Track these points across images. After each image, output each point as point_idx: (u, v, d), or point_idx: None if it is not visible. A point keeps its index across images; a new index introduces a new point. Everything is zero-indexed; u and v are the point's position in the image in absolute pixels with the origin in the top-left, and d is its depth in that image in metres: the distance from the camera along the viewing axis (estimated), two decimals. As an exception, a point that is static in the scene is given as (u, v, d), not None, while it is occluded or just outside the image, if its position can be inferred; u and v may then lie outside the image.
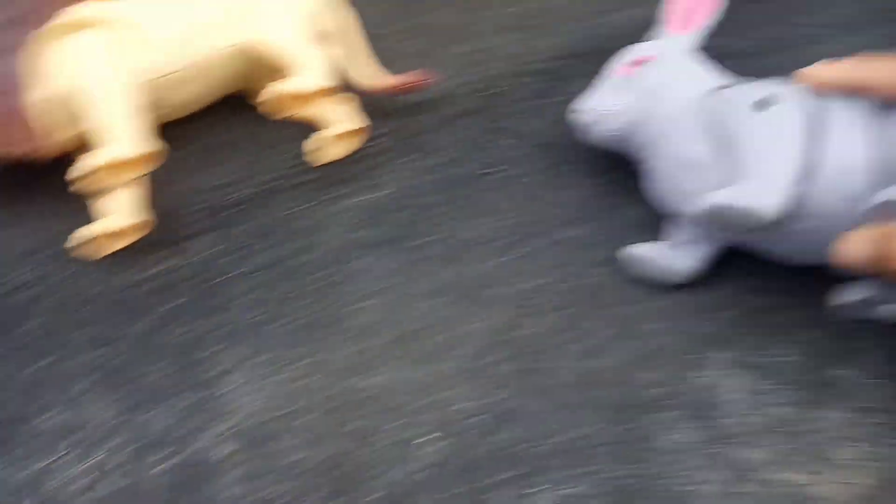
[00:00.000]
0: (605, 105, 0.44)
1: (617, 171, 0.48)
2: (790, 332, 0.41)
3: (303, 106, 0.45)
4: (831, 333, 0.41)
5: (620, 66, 0.46)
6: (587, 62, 0.52)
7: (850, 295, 0.39)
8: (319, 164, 0.50)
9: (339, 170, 0.50)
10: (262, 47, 0.47)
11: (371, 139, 0.51)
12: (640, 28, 0.52)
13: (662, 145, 0.42)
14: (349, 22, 0.51)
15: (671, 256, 0.43)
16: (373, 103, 0.53)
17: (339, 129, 0.49)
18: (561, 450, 0.40)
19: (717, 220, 0.37)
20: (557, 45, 0.53)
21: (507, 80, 0.52)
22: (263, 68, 0.49)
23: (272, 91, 0.43)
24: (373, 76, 0.50)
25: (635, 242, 0.45)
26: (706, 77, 0.43)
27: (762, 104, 0.38)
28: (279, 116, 0.45)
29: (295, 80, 0.44)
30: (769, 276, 0.43)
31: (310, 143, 0.49)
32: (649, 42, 0.47)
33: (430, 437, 0.41)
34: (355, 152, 0.51)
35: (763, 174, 0.37)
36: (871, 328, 0.40)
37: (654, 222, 0.45)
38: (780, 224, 0.37)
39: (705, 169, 0.40)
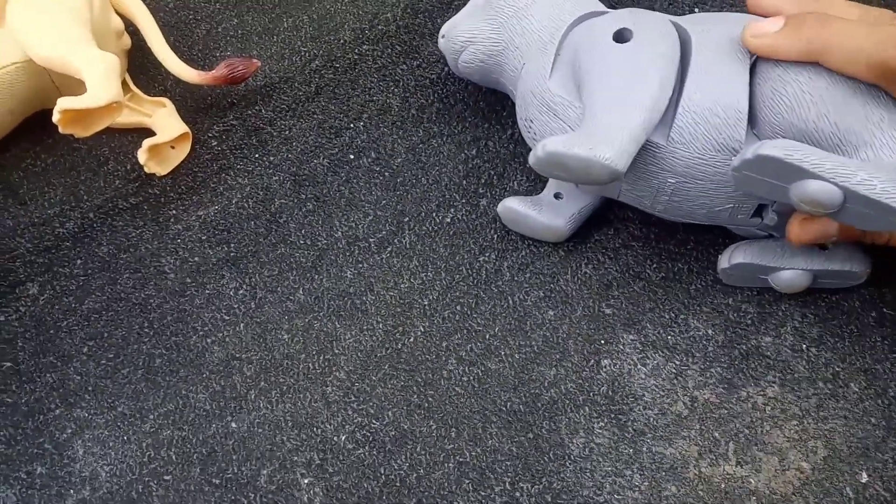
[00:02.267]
0: (465, 32, 0.41)
1: (490, 138, 0.45)
2: (699, 302, 0.40)
3: (98, 122, 0.40)
4: (743, 299, 0.40)
5: None
6: (444, 14, 0.48)
7: (723, 262, 0.38)
8: (153, 175, 0.45)
9: (178, 182, 0.46)
10: (40, 61, 0.41)
11: (206, 141, 0.46)
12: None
13: (522, 79, 0.40)
14: (139, 12, 0.46)
15: (545, 212, 0.41)
16: (201, 98, 0.48)
17: (163, 135, 0.45)
18: (464, 471, 0.37)
19: (554, 168, 0.35)
20: (403, 1, 0.49)
21: (351, 52, 0.49)
22: (67, 80, 0.44)
23: (59, 110, 0.38)
24: (184, 70, 0.45)
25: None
26: (572, 2, 0.40)
27: (622, 35, 0.36)
28: (81, 135, 0.40)
29: (82, 96, 0.39)
30: (665, 242, 0.41)
31: (139, 155, 0.44)
32: None
33: (315, 477, 0.38)
34: (191, 159, 0.46)
35: (609, 118, 0.34)
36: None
37: (539, 190, 0.42)
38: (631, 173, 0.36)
39: (563, 108, 0.37)
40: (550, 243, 0.42)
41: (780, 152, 0.30)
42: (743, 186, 0.33)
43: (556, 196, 0.42)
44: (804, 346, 0.38)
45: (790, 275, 0.37)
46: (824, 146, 0.32)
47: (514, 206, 0.41)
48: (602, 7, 0.40)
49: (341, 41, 0.49)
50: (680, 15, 0.39)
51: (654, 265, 0.41)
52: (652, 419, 0.38)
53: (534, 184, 0.44)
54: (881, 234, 0.36)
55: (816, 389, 0.37)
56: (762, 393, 0.37)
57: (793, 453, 0.36)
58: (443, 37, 0.43)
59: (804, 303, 0.39)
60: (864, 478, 0.35)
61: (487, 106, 0.46)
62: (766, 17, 0.35)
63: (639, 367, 0.39)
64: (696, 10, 0.48)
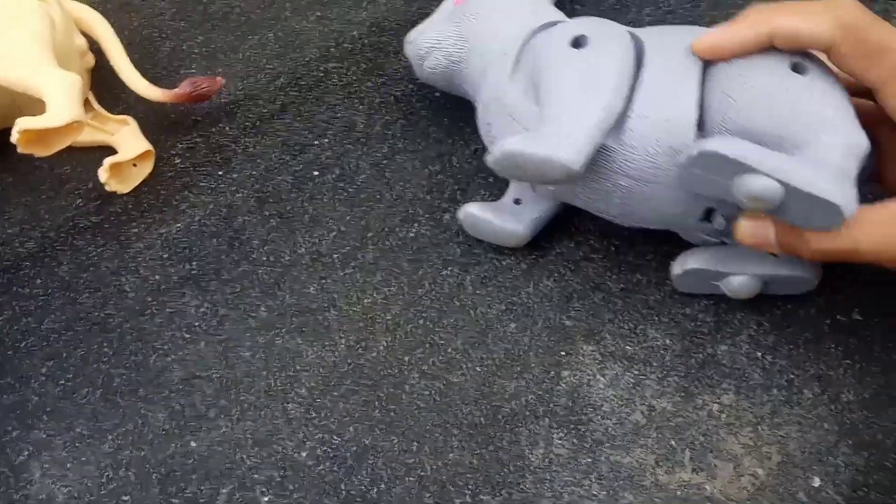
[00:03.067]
0: (430, 37, 0.44)
1: (454, 153, 0.46)
2: (657, 312, 0.42)
3: (60, 141, 0.41)
4: (700, 309, 0.41)
5: None
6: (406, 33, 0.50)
7: (675, 268, 0.40)
8: (115, 193, 0.46)
9: (140, 200, 0.47)
10: (1, 81, 0.42)
11: (169, 159, 0.48)
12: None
13: (483, 85, 0.42)
14: (102, 31, 0.48)
15: (504, 217, 0.43)
16: (165, 116, 0.49)
17: (126, 153, 0.46)
18: (425, 485, 0.38)
19: (512, 169, 0.37)
20: (369, 18, 0.51)
21: (316, 69, 0.50)
22: (30, 99, 0.45)
23: (17, 130, 0.39)
24: (147, 89, 0.47)
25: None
26: (534, 11, 0.42)
27: (579, 41, 0.38)
28: (42, 155, 0.41)
29: (43, 115, 0.40)
30: (624, 254, 0.43)
31: (100, 174, 0.45)
32: None
33: (275, 494, 0.39)
34: (154, 177, 0.47)
35: (566, 119, 0.36)
36: (742, 299, 0.40)
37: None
38: (587, 175, 0.37)
39: (521, 112, 0.39)
40: (513, 256, 0.44)
41: (722, 149, 0.32)
42: (689, 184, 0.35)
43: (516, 201, 0.43)
44: (759, 353, 0.40)
45: (741, 280, 0.39)
46: (770, 146, 0.34)
47: (473, 212, 0.43)
48: (563, 17, 0.42)
49: (306, 59, 0.51)
50: (641, 26, 0.41)
51: (614, 277, 0.43)
52: (610, 429, 0.39)
53: (496, 198, 0.45)
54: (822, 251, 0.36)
55: (771, 396, 0.39)
56: (718, 400, 0.39)
57: (747, 459, 0.37)
58: (409, 42, 0.45)
59: (760, 311, 0.40)
60: (817, 482, 0.37)
61: (451, 122, 0.48)
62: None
63: (598, 377, 0.40)
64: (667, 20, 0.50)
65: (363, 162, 0.47)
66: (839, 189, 0.32)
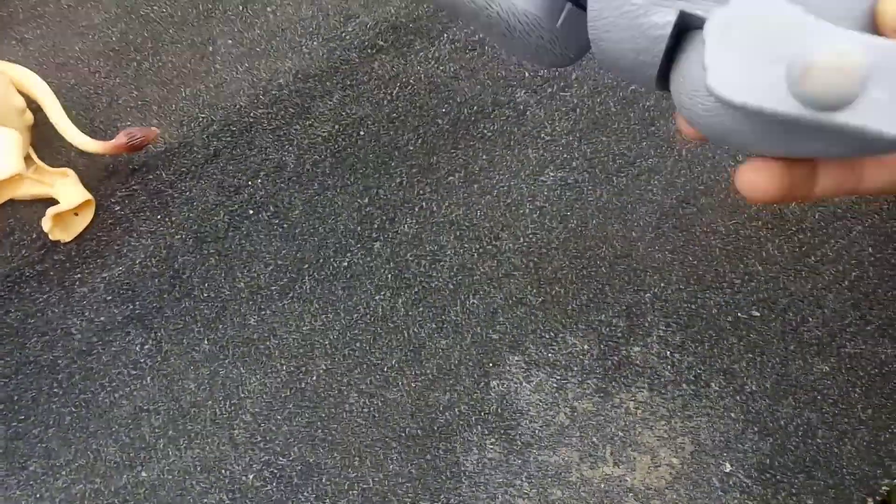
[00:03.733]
0: None
1: (380, 186, 0.49)
2: (575, 320, 0.44)
3: (2, 193, 0.43)
4: (614, 314, 0.44)
5: None
6: (332, 79, 0.53)
7: None
8: (59, 242, 0.48)
9: (82, 246, 0.49)
10: None
11: (109, 206, 0.50)
12: (384, 31, 0.54)
13: None
14: (40, 90, 0.50)
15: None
16: (104, 167, 0.51)
17: (67, 203, 0.48)
18: (367, 497, 0.40)
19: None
20: (294, 67, 0.54)
21: (246, 115, 0.53)
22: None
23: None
24: (84, 142, 0.49)
25: (422, 256, 0.47)
26: None
27: None
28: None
29: None
30: (543, 269, 0.46)
31: (43, 224, 0.47)
32: None
33: (223, 518, 0.40)
34: (95, 224, 0.49)
35: None
36: (651, 303, 0.44)
37: (428, 235, 0.47)
38: None
39: None
40: (440, 279, 0.46)
41: None
42: None
43: None
44: (668, 352, 0.43)
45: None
46: None
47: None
48: None
49: (237, 106, 0.53)
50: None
51: (534, 291, 0.46)
52: (537, 431, 0.42)
53: (423, 226, 0.48)
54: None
55: (681, 391, 0.42)
56: (633, 398, 0.42)
57: (663, 451, 0.40)
58: None
59: (667, 313, 0.44)
60: (728, 468, 0.40)
61: (376, 159, 0.51)
62: None
63: (524, 384, 0.43)
64: None
65: (295, 199, 0.50)
66: None
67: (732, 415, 0.41)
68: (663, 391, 0.42)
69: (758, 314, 0.43)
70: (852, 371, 0.42)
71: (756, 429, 0.41)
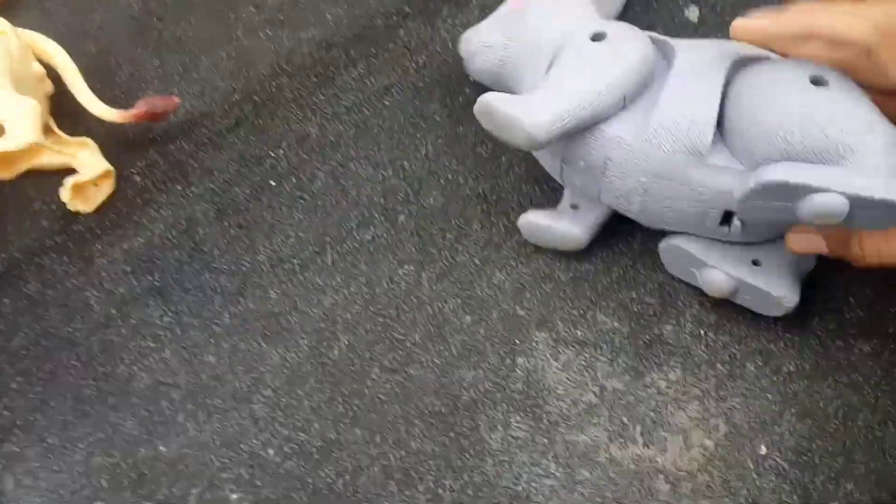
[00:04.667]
0: (482, 37, 0.45)
1: (405, 158, 0.48)
2: (605, 297, 0.43)
3: (21, 163, 0.42)
4: (646, 292, 0.43)
5: (511, 1, 0.46)
6: (356, 47, 0.52)
7: (663, 242, 0.40)
8: (78, 213, 0.47)
9: (102, 217, 0.48)
10: None
11: (129, 177, 0.49)
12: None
13: (524, 83, 0.43)
14: (59, 59, 0.49)
15: (564, 222, 0.43)
16: (124, 137, 0.50)
17: (87, 174, 0.47)
18: (389, 473, 0.39)
19: (486, 120, 0.38)
20: (318, 35, 0.53)
21: (268, 84, 0.52)
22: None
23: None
24: (104, 111, 0.48)
25: (447, 230, 0.46)
26: (578, 20, 0.43)
27: (598, 36, 0.40)
28: (3, 178, 0.42)
29: (2, 139, 0.41)
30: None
31: (62, 194, 0.46)
32: None
33: (244, 492, 0.40)
34: (115, 195, 0.48)
35: (547, 93, 0.38)
36: (683, 281, 0.42)
37: (455, 209, 0.46)
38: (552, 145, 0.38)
39: None
40: (466, 253, 0.45)
41: (781, 175, 0.32)
42: (751, 215, 0.36)
43: (573, 206, 0.44)
44: (702, 331, 0.41)
45: (715, 275, 0.39)
46: (814, 160, 0.34)
47: (533, 220, 0.44)
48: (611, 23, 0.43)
49: (259, 76, 0.52)
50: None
51: (563, 267, 0.44)
52: (564, 410, 0.40)
53: (449, 199, 0.47)
54: (872, 254, 0.36)
55: (715, 371, 0.40)
56: (665, 377, 0.40)
57: (696, 432, 0.39)
58: (462, 40, 0.46)
59: (702, 292, 0.42)
60: (764, 450, 0.38)
61: (400, 129, 0.49)
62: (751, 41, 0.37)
63: (551, 362, 0.42)
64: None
65: (318, 170, 0.49)
66: None
67: (769, 396, 0.40)
68: (697, 371, 0.40)
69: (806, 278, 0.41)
70: (895, 351, 0.41)
71: (794, 410, 0.39)
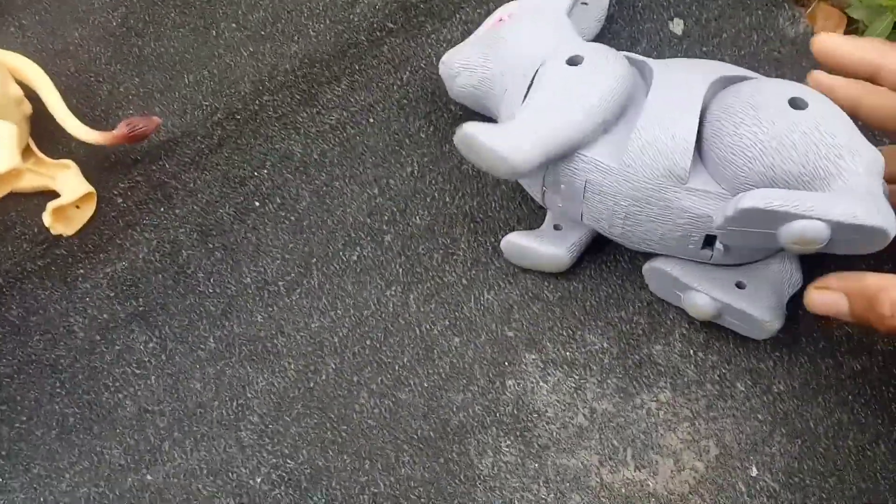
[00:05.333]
0: (462, 59, 0.45)
1: (390, 176, 0.47)
2: (594, 317, 0.43)
3: (2, 188, 0.42)
4: (635, 311, 0.42)
5: (489, 21, 0.46)
6: (340, 63, 0.51)
7: (646, 264, 0.40)
8: (60, 236, 0.47)
9: (84, 240, 0.48)
10: None
11: (111, 199, 0.48)
12: (394, 12, 0.51)
13: (503, 104, 0.43)
14: (38, 80, 0.48)
15: (546, 244, 0.43)
16: (105, 158, 0.49)
17: (68, 196, 0.46)
18: (379, 501, 0.39)
19: (466, 150, 0.38)
20: (301, 52, 0.52)
21: (251, 102, 0.51)
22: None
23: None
24: (84, 132, 0.47)
25: (434, 250, 0.46)
26: (558, 40, 0.43)
27: (574, 60, 0.40)
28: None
29: None
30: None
31: (44, 218, 0.46)
32: (522, 1, 0.46)
33: (230, 524, 0.39)
34: (97, 217, 0.48)
35: (526, 121, 0.38)
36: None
37: (441, 228, 0.45)
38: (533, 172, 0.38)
39: None
40: (454, 273, 0.45)
41: (759, 202, 0.32)
42: (732, 240, 0.35)
43: (556, 227, 0.44)
44: (692, 351, 0.41)
45: (699, 298, 0.39)
46: (794, 186, 0.34)
47: (515, 241, 0.44)
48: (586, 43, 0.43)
49: (242, 93, 0.51)
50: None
51: (551, 286, 0.44)
52: (555, 433, 0.40)
53: (435, 218, 0.46)
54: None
55: (705, 391, 0.40)
56: (655, 399, 0.40)
57: (687, 454, 0.39)
58: (442, 62, 0.46)
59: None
60: (754, 471, 0.38)
61: (386, 147, 0.49)
62: (829, 67, 0.37)
63: (541, 384, 0.41)
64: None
65: (303, 190, 0.48)
66: (878, 212, 0.32)
67: (759, 416, 0.39)
68: (687, 391, 0.40)
69: (785, 311, 0.41)
70: (885, 369, 0.40)
71: (784, 430, 0.39)
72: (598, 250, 0.44)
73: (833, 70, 0.37)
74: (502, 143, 0.36)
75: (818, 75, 0.38)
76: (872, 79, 0.36)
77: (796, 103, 0.35)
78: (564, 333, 0.42)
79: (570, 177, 0.39)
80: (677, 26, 0.50)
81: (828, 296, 0.35)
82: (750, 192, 0.32)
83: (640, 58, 0.41)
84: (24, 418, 0.43)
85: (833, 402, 0.40)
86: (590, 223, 0.41)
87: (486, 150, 0.36)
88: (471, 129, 0.37)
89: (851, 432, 0.39)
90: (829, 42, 0.37)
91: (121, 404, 0.43)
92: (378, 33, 0.52)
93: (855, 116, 0.36)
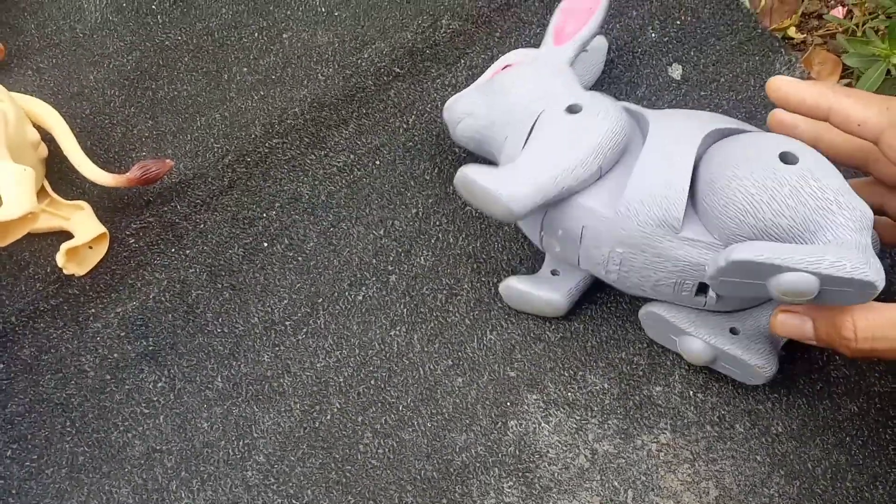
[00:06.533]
0: (464, 105, 0.46)
1: (395, 217, 0.48)
2: (595, 357, 0.43)
3: (17, 231, 0.42)
4: (635, 352, 0.43)
5: (493, 69, 0.48)
6: (347, 107, 0.52)
7: (642, 309, 0.41)
8: (73, 276, 0.47)
9: (96, 280, 0.48)
10: None
11: (124, 239, 0.49)
12: (400, 58, 0.53)
13: (504, 150, 0.43)
14: (54, 123, 0.49)
15: (544, 289, 0.44)
16: (118, 199, 0.50)
17: (81, 237, 0.47)
18: (379, 542, 0.39)
19: (465, 193, 0.39)
20: (310, 96, 0.53)
21: (261, 146, 0.52)
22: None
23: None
24: (98, 175, 0.48)
25: (438, 290, 0.46)
26: (559, 88, 0.43)
27: (573, 108, 0.40)
28: (0, 245, 0.42)
29: None
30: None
31: (58, 259, 0.47)
32: (526, 49, 0.48)
33: (236, 565, 0.39)
34: (109, 257, 0.48)
35: (525, 167, 0.38)
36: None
37: (445, 268, 0.46)
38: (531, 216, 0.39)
39: None
40: (457, 313, 0.45)
41: (750, 255, 0.32)
42: (724, 289, 0.36)
43: (553, 273, 0.44)
44: (691, 392, 0.41)
45: (694, 343, 0.40)
46: (785, 239, 0.35)
47: (514, 285, 0.44)
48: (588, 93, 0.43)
49: (252, 136, 0.53)
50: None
51: (553, 327, 0.44)
52: (556, 474, 0.40)
53: (439, 259, 0.47)
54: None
55: (705, 433, 0.40)
56: (655, 440, 0.40)
57: (687, 496, 0.39)
58: (446, 108, 0.47)
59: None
60: (754, 513, 0.38)
61: (392, 189, 0.50)
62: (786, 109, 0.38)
63: (543, 425, 0.42)
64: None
65: (310, 231, 0.49)
66: (867, 265, 0.32)
67: (758, 457, 0.40)
68: (686, 433, 0.40)
69: (783, 352, 0.41)
70: (882, 410, 0.41)
71: (783, 472, 0.39)
72: (599, 290, 0.44)
73: (791, 111, 0.38)
74: (501, 187, 0.37)
75: (780, 114, 0.39)
76: (825, 120, 0.37)
77: (787, 158, 0.36)
78: (566, 374, 0.43)
79: (568, 223, 0.39)
80: (676, 71, 0.51)
81: (793, 318, 0.36)
82: (741, 245, 0.33)
83: (637, 108, 0.41)
84: (35, 457, 0.44)
85: (831, 443, 0.40)
86: (587, 267, 0.41)
87: (484, 193, 0.37)
88: (470, 171, 0.38)
89: (849, 474, 0.39)
90: (783, 86, 0.37)
91: (130, 443, 0.43)
92: (385, 78, 0.53)
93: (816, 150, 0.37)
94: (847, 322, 0.34)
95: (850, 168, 0.38)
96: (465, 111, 0.45)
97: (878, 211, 0.36)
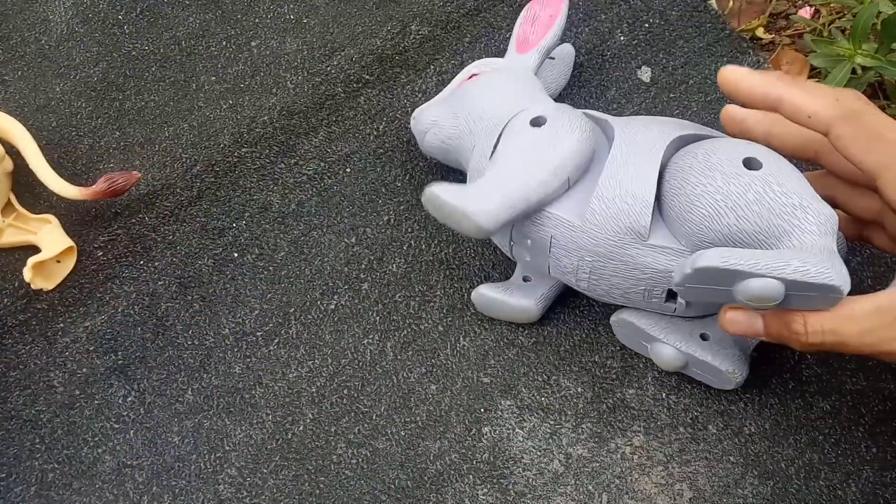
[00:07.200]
0: (431, 115, 0.46)
1: (367, 225, 0.48)
2: (568, 361, 0.43)
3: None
4: (608, 355, 0.43)
5: (459, 79, 0.47)
6: (317, 115, 0.52)
7: (613, 316, 0.41)
8: (41, 290, 0.47)
9: (64, 294, 0.48)
10: None
11: (91, 252, 0.48)
12: (370, 64, 0.52)
13: (472, 158, 0.43)
14: (19, 136, 0.49)
15: (516, 295, 0.44)
16: (86, 211, 0.50)
17: (49, 251, 0.46)
18: (353, 554, 0.39)
19: (434, 210, 0.39)
20: (279, 104, 0.53)
21: (230, 155, 0.51)
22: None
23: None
24: (64, 188, 0.47)
25: (411, 297, 0.46)
26: (521, 98, 0.43)
27: (538, 121, 0.40)
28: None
29: None
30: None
31: (26, 273, 0.46)
32: (491, 59, 0.48)
33: (208, 580, 0.39)
34: (77, 271, 0.48)
35: (492, 183, 0.38)
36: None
37: (418, 275, 0.46)
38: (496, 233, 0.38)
39: None
40: (430, 320, 0.45)
41: (715, 261, 0.32)
42: (691, 296, 0.36)
43: (525, 279, 0.44)
44: (664, 394, 0.41)
45: (665, 350, 0.40)
46: (750, 244, 0.35)
47: (485, 293, 0.44)
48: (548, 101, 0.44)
49: (220, 146, 0.52)
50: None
51: (526, 332, 0.44)
52: (531, 480, 0.40)
53: (412, 266, 0.47)
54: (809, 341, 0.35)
55: (678, 434, 0.40)
56: (629, 443, 0.40)
57: (661, 498, 0.39)
58: (413, 118, 0.47)
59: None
60: (728, 514, 0.38)
61: (362, 196, 0.49)
62: (736, 100, 0.38)
63: (517, 430, 0.41)
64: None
65: (281, 240, 0.48)
66: (831, 269, 0.32)
67: (731, 458, 0.40)
68: (660, 435, 0.40)
69: (755, 353, 0.41)
70: (854, 408, 0.41)
71: (756, 472, 0.39)
72: (572, 295, 0.44)
73: (741, 103, 0.38)
74: (469, 204, 0.37)
75: (731, 109, 0.39)
76: (775, 111, 0.37)
77: (751, 163, 0.36)
78: (539, 378, 0.43)
79: (536, 232, 0.39)
80: (645, 74, 0.51)
81: (742, 315, 0.36)
82: (706, 252, 0.33)
83: (602, 115, 0.41)
84: (3, 475, 0.43)
85: (804, 442, 0.40)
86: (557, 275, 0.41)
87: (452, 211, 0.37)
88: (437, 190, 0.38)
89: (823, 472, 0.39)
90: (733, 75, 0.37)
91: (100, 459, 0.43)
92: (355, 85, 0.53)
93: (767, 145, 0.37)
94: (797, 317, 0.34)
95: (802, 160, 0.38)
96: (432, 122, 0.45)
97: (830, 203, 0.36)
